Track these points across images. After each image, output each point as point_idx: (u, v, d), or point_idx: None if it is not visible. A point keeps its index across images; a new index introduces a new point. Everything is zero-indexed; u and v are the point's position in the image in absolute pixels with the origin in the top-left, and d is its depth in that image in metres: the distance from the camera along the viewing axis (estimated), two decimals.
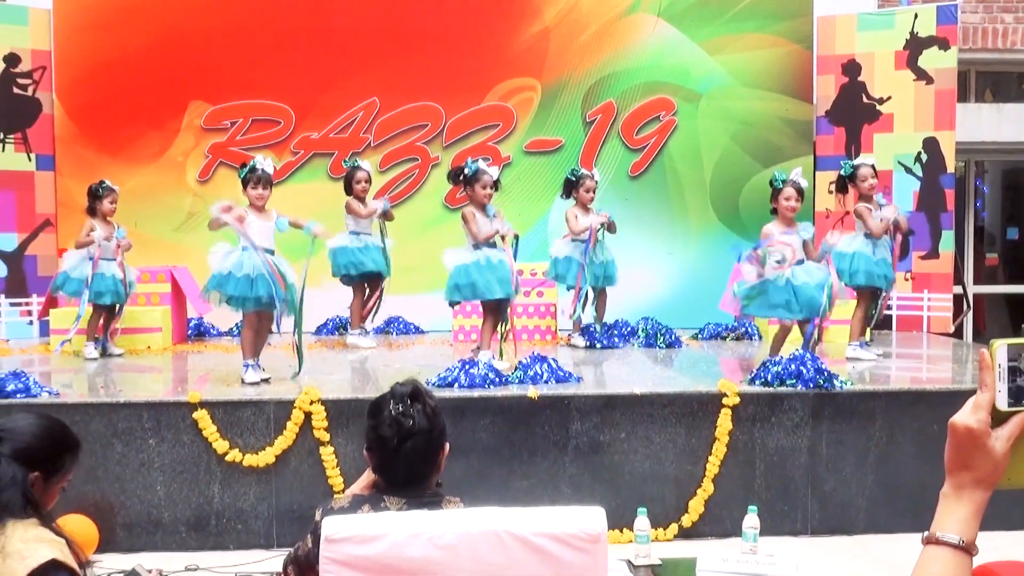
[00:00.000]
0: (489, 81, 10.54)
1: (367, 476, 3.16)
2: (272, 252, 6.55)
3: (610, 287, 8.58)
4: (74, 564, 2.62)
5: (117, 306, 8.09)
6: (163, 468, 5.77)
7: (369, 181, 8.63)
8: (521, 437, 5.90)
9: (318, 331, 9.38)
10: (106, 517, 5.69)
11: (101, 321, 8.05)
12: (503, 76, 10.55)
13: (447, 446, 3.07)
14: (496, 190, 7.27)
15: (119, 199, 8.10)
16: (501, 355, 7.22)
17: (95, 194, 7.93)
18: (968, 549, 1.39)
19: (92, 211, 7.93)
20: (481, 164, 7.21)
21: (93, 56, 10.24)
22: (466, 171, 7.15)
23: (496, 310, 7.22)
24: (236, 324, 9.59)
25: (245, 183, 6.60)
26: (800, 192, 7.04)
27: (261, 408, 5.83)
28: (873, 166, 7.77)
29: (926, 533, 1.42)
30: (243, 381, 6.45)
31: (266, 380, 6.51)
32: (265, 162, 6.69)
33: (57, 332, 8.51)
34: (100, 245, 7.81)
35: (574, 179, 8.39)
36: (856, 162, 7.86)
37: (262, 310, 6.57)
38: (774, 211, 7.11)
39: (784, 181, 7.04)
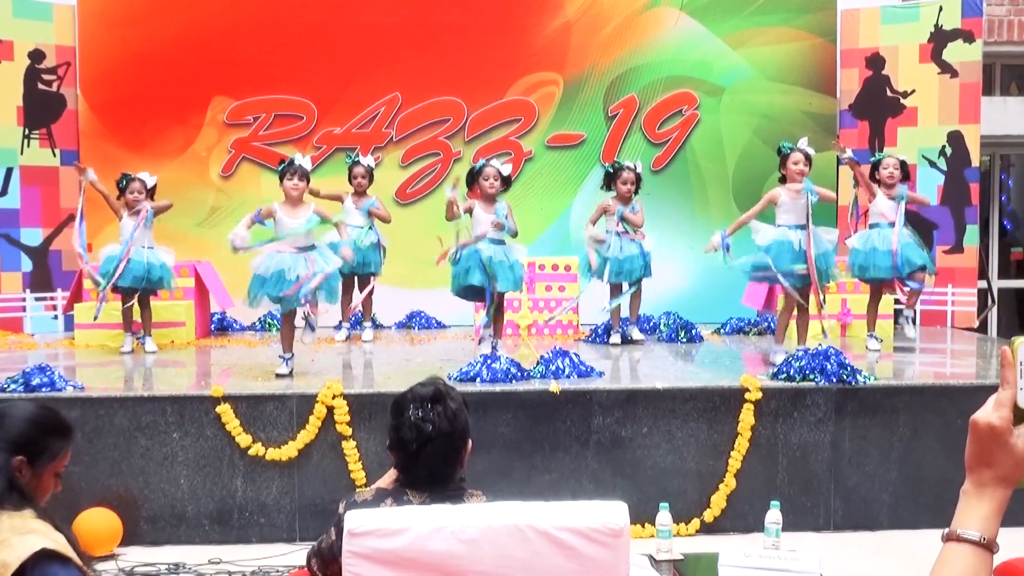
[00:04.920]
0: (511, 76, 10.54)
1: (393, 471, 3.17)
2: (309, 248, 6.67)
3: (641, 282, 8.34)
4: (72, 554, 2.55)
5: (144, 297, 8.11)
6: (186, 462, 5.80)
7: (366, 176, 8.70)
8: (543, 432, 5.91)
9: (338, 326, 9.37)
10: (130, 510, 5.73)
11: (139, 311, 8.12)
12: (525, 71, 10.55)
13: (470, 443, 3.07)
14: (505, 185, 7.29)
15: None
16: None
17: (119, 186, 7.99)
18: (989, 546, 1.38)
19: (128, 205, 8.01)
20: (493, 161, 7.32)
21: (117, 52, 10.29)
22: (474, 168, 7.28)
23: (491, 300, 7.31)
24: (259, 319, 9.67)
25: (282, 176, 6.72)
26: (808, 158, 7.10)
27: (284, 402, 5.86)
28: (902, 162, 7.81)
29: (946, 530, 1.41)
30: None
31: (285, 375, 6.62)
32: (304, 159, 6.87)
33: (81, 327, 8.58)
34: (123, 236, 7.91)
35: (612, 171, 8.28)
36: (886, 152, 7.95)
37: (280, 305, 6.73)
38: (782, 179, 7.14)
39: (792, 148, 7.09)
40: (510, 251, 7.20)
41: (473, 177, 7.24)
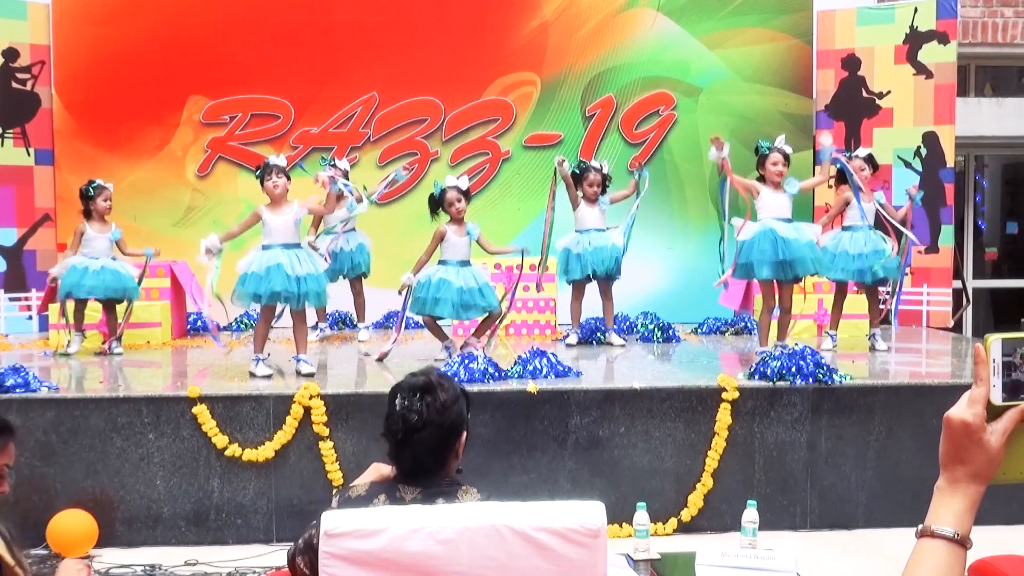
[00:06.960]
0: (489, 76, 10.54)
1: (372, 470, 3.16)
2: (297, 246, 6.63)
3: (611, 280, 8.28)
4: (3, 552, 2.56)
5: (125, 303, 8.05)
6: (163, 463, 5.77)
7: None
8: (520, 432, 5.90)
9: (314, 326, 9.33)
10: (105, 512, 5.69)
11: (109, 316, 8.03)
12: (503, 71, 10.55)
13: (464, 434, 3.07)
14: (467, 200, 7.26)
15: (117, 194, 8.06)
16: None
17: (87, 195, 7.87)
18: (962, 542, 1.39)
19: (88, 213, 7.88)
20: (448, 181, 7.25)
21: (92, 50, 10.23)
22: (435, 193, 7.22)
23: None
24: (236, 319, 9.63)
25: (262, 178, 6.67)
26: (786, 157, 7.13)
27: (260, 403, 5.83)
28: (866, 158, 7.79)
29: (920, 526, 1.42)
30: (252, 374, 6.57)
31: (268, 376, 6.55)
32: (279, 158, 6.83)
33: (56, 327, 8.50)
34: (83, 243, 7.81)
35: (578, 172, 8.22)
36: (854, 152, 7.97)
37: (271, 304, 6.66)
38: (761, 178, 7.17)
39: (770, 148, 7.11)
40: (478, 274, 7.23)
41: (437, 204, 7.20)
